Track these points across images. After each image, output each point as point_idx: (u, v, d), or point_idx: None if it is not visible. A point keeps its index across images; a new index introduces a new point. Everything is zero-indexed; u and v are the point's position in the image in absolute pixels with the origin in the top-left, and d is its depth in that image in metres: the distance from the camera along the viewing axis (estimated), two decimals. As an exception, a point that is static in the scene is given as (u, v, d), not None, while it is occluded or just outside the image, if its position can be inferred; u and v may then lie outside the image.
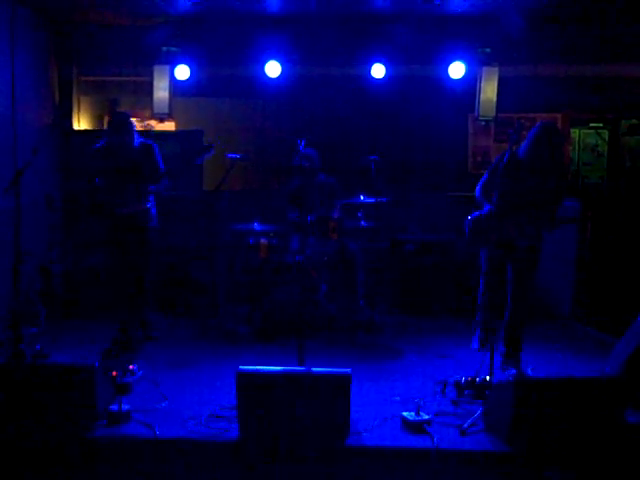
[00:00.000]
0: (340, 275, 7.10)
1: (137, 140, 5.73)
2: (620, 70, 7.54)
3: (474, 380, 4.54)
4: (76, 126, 8.04)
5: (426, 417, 4.05)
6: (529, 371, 5.21)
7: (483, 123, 7.82)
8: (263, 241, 6.83)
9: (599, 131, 8.63)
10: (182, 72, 7.38)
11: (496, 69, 7.15)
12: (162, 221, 7.78)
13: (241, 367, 3.91)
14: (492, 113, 7.22)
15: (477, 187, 5.45)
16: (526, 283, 5.25)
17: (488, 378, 4.44)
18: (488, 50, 7.15)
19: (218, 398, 4.48)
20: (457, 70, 7.26)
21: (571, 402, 3.82)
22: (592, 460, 3.72)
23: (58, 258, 6.65)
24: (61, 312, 6.71)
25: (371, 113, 7.96)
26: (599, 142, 8.65)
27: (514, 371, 5.12)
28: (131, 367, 4.83)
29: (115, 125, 5.63)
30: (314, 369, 3.94)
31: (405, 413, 4.10)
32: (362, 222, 6.89)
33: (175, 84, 7.44)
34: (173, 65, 7.34)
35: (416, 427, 3.99)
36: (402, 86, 7.66)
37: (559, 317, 7.10)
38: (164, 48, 7.28)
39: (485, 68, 7.17)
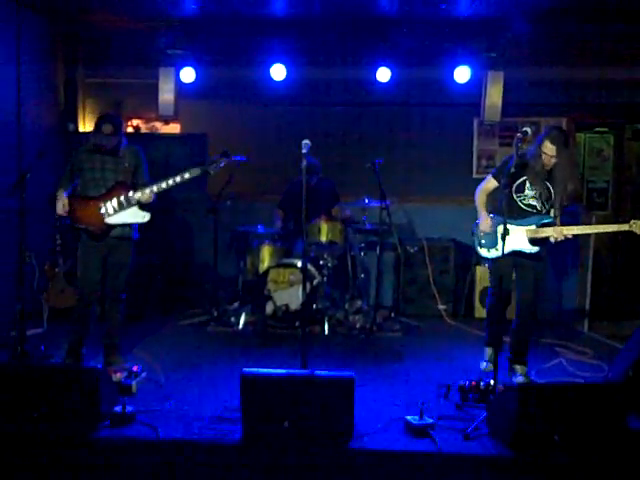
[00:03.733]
0: (343, 278, 7.12)
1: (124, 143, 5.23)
2: (626, 74, 7.52)
3: (478, 384, 4.53)
4: (81, 128, 8.06)
5: (430, 421, 4.04)
6: (533, 375, 5.20)
7: (488, 127, 7.82)
8: (267, 243, 6.85)
9: (604, 135, 8.62)
10: (187, 75, 7.38)
11: (501, 73, 7.14)
12: (165, 223, 7.85)
13: (245, 369, 3.92)
14: (497, 117, 7.20)
15: (477, 190, 5.45)
16: (534, 290, 5.20)
17: (492, 382, 4.43)
18: (493, 54, 7.13)
19: (222, 400, 4.48)
20: (462, 74, 7.25)
21: (575, 408, 3.81)
22: (595, 466, 3.71)
23: (63, 259, 6.65)
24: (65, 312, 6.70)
25: (376, 116, 7.96)
26: (604, 146, 8.64)
27: (520, 377, 5.12)
28: (135, 368, 4.83)
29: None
30: (318, 372, 3.94)
31: (409, 417, 4.09)
32: (367, 225, 6.91)
33: (180, 86, 7.44)
34: (178, 67, 7.34)
35: (420, 431, 3.98)
36: (407, 90, 7.67)
37: (563, 323, 7.08)
38: (169, 50, 7.27)
39: (490, 72, 7.16)
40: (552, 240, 4.99)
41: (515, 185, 5.09)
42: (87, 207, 5.06)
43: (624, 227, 4.82)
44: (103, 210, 5.03)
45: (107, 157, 5.12)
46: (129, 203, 5.05)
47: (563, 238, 4.95)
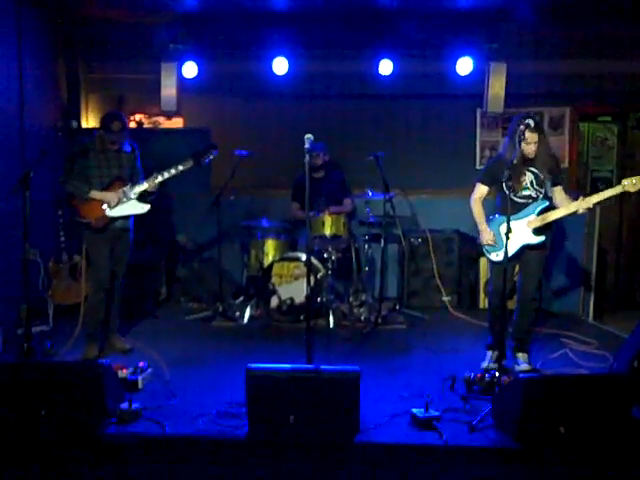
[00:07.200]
0: (347, 271, 7.13)
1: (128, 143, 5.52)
2: (629, 63, 7.50)
3: (483, 376, 4.54)
4: (84, 124, 8.05)
5: (435, 414, 4.04)
6: (539, 366, 5.20)
7: (491, 118, 7.81)
8: (271, 237, 6.86)
9: (608, 125, 8.58)
10: (189, 69, 7.36)
11: (504, 64, 7.10)
12: (171, 218, 7.89)
13: (250, 365, 3.92)
14: (500, 108, 7.17)
15: (471, 201, 5.41)
16: (537, 279, 5.23)
17: (497, 374, 4.43)
18: (495, 46, 7.10)
19: (227, 395, 4.47)
20: (465, 66, 7.22)
21: (579, 399, 3.80)
22: (600, 456, 3.72)
23: (67, 255, 6.66)
24: (70, 309, 6.72)
25: (378, 109, 7.96)
26: (608, 135, 8.60)
27: (523, 364, 5.13)
28: (140, 364, 4.85)
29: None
30: (323, 367, 3.93)
31: (414, 410, 4.09)
32: (370, 218, 6.91)
33: (183, 81, 7.42)
34: (181, 62, 7.32)
35: (425, 424, 3.98)
36: (410, 81, 7.63)
37: (568, 313, 7.08)
38: (171, 45, 7.24)
39: (493, 63, 7.12)
40: (580, 211, 4.96)
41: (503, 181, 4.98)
42: (90, 202, 5.32)
43: (618, 189, 4.86)
44: (105, 204, 5.32)
45: (111, 154, 5.40)
46: (128, 196, 5.35)
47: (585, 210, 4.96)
